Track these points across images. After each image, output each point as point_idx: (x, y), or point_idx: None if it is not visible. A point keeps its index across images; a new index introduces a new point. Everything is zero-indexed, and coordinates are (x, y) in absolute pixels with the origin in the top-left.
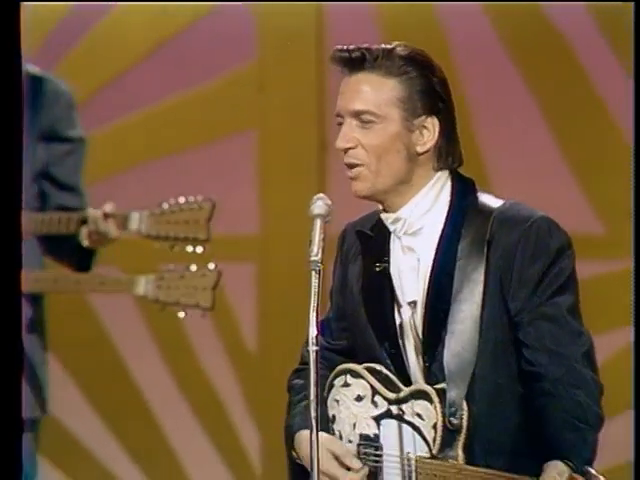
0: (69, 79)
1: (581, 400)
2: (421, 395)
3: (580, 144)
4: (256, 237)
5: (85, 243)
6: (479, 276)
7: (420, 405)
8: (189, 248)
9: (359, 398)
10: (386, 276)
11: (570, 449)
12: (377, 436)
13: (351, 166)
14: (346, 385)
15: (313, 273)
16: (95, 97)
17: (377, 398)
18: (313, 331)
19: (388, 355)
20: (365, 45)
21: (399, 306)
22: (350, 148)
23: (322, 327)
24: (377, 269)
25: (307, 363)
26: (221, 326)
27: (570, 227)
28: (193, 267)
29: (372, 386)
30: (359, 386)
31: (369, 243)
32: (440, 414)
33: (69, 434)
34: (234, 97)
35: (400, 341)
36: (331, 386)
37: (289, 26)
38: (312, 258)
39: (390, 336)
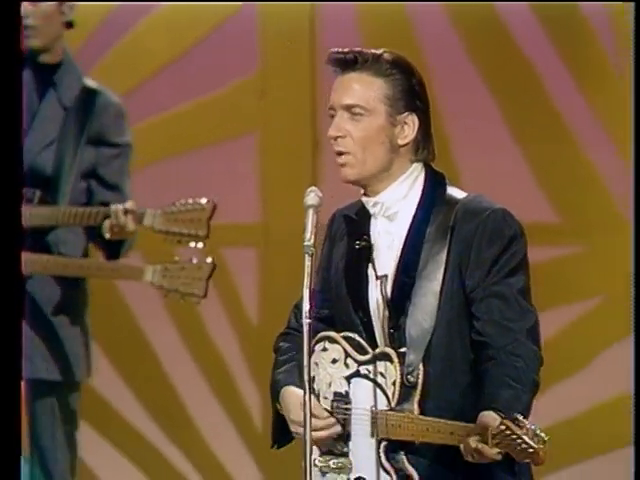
0: (103, 80)
1: (519, 366)
2: (384, 357)
3: (536, 142)
4: (257, 225)
5: (107, 235)
6: (442, 257)
7: (383, 365)
8: (192, 244)
9: (334, 361)
10: (365, 253)
11: (504, 404)
12: (347, 393)
13: (340, 153)
14: (324, 350)
15: (306, 256)
16: None
17: (349, 360)
18: (306, 306)
19: (361, 323)
20: (357, 49)
21: (376, 278)
22: (340, 137)
23: (313, 302)
24: (357, 246)
25: (293, 328)
26: (227, 301)
27: (528, 217)
28: (194, 260)
29: (345, 350)
30: (335, 351)
31: (353, 225)
32: (399, 373)
33: (100, 397)
34: (238, 103)
35: (371, 310)
36: (312, 351)
37: (286, 41)
38: (306, 243)
39: (363, 306)
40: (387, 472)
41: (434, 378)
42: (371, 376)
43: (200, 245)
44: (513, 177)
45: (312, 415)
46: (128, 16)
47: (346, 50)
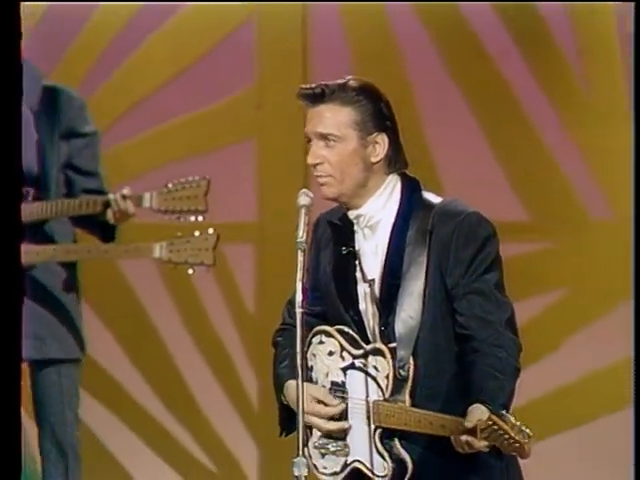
0: (113, 95)
1: (502, 356)
2: (378, 352)
3: (509, 149)
4: (254, 224)
5: (111, 221)
6: (423, 259)
7: (377, 360)
8: (192, 218)
9: (331, 353)
10: (351, 258)
11: (491, 395)
12: (344, 383)
13: (320, 177)
14: (321, 342)
15: (299, 251)
16: (127, 114)
17: (344, 353)
18: (299, 297)
19: (352, 321)
20: (324, 82)
21: (364, 281)
22: (318, 163)
23: (307, 294)
24: (344, 252)
25: (288, 323)
26: (226, 292)
27: (501, 216)
28: (196, 233)
29: (340, 344)
30: (330, 344)
31: (338, 231)
32: (392, 367)
33: (103, 371)
34: (237, 113)
35: (361, 310)
36: (310, 343)
37: (281, 58)
38: (298, 240)
39: (353, 306)
40: (382, 456)
41: (423, 370)
42: (365, 369)
43: (200, 218)
44: (488, 181)
45: (324, 403)
46: (137, 34)
47: (313, 85)
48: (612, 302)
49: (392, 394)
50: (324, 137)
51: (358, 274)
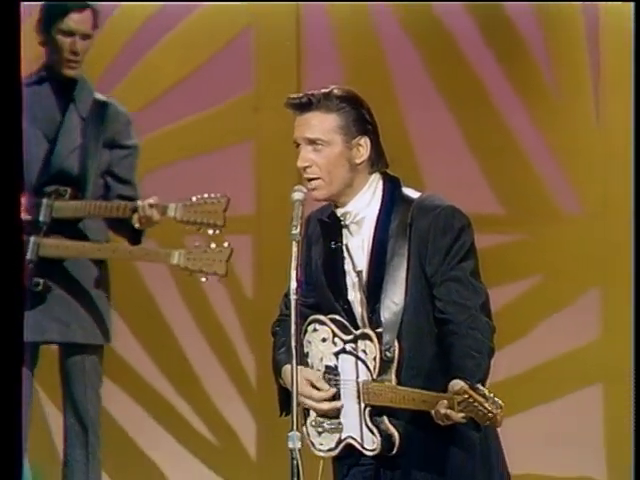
0: (122, 100)
1: (478, 337)
2: (366, 337)
3: (487, 147)
4: (252, 216)
5: (136, 225)
6: (404, 250)
7: (365, 344)
8: (210, 231)
9: (324, 340)
10: (340, 252)
11: (469, 372)
12: (336, 366)
13: (310, 180)
14: (315, 330)
15: (294, 243)
16: (136, 116)
17: (336, 339)
18: (293, 284)
19: (342, 309)
20: (310, 92)
21: (354, 271)
22: (308, 167)
23: (301, 286)
24: (333, 246)
25: (285, 315)
26: (227, 279)
27: (479, 209)
28: (213, 245)
29: (332, 331)
30: (324, 331)
31: (327, 228)
32: (378, 350)
33: (116, 354)
34: (237, 116)
35: (350, 299)
36: (305, 331)
37: (277, 66)
38: (293, 232)
39: (342, 296)
40: (371, 432)
41: (407, 351)
42: (355, 353)
43: (217, 232)
44: (468, 178)
45: (316, 388)
46: (142, 45)
47: (300, 95)
48: (581, 289)
49: (379, 374)
50: (312, 142)
51: (347, 266)
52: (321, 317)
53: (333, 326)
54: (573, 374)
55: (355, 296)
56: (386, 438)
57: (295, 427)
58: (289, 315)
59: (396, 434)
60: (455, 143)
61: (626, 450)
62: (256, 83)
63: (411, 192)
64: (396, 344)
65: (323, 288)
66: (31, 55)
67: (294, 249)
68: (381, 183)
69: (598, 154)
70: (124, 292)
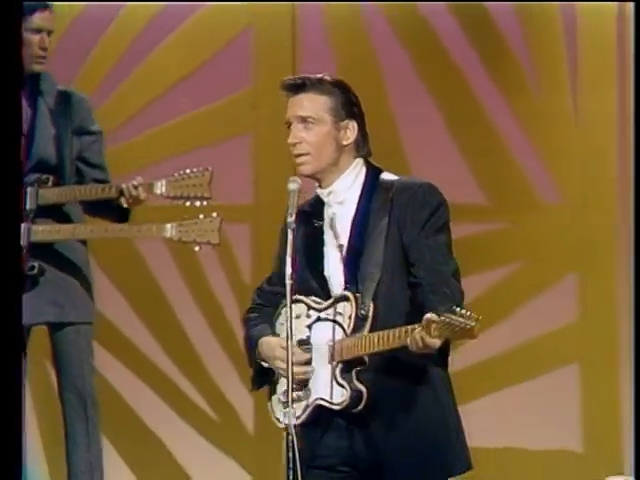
0: (128, 96)
1: (448, 292)
2: (343, 298)
3: (472, 142)
4: (250, 206)
5: (124, 205)
6: (384, 221)
7: (343, 305)
8: (197, 203)
9: (297, 317)
10: (320, 232)
11: (443, 310)
12: (308, 337)
13: (298, 155)
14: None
15: (289, 230)
16: (141, 111)
17: (310, 311)
18: (288, 269)
19: (319, 286)
20: (304, 75)
21: (336, 246)
22: (297, 143)
23: (296, 272)
24: (315, 225)
25: (257, 304)
26: (226, 265)
27: (464, 199)
28: (201, 216)
29: (307, 304)
30: (297, 308)
31: (307, 214)
32: (354, 308)
33: (122, 333)
34: (236, 112)
35: (327, 274)
36: (279, 314)
37: (274, 65)
38: (288, 220)
39: (319, 272)
40: (341, 386)
41: (381, 310)
42: (330, 317)
43: (205, 204)
44: (454, 171)
45: (294, 355)
46: (147, 44)
47: (296, 77)
48: (559, 275)
49: (354, 331)
50: (303, 120)
51: (326, 245)
52: (296, 296)
53: (308, 300)
54: (552, 354)
55: (335, 269)
56: (355, 393)
57: (291, 405)
58: (263, 304)
59: (363, 388)
60: (442, 140)
61: (600, 424)
62: (254, 81)
63: (391, 176)
64: (371, 304)
65: (302, 269)
66: (57, 57)
67: (290, 237)
68: (364, 169)
69: (576, 147)
70: (129, 276)
